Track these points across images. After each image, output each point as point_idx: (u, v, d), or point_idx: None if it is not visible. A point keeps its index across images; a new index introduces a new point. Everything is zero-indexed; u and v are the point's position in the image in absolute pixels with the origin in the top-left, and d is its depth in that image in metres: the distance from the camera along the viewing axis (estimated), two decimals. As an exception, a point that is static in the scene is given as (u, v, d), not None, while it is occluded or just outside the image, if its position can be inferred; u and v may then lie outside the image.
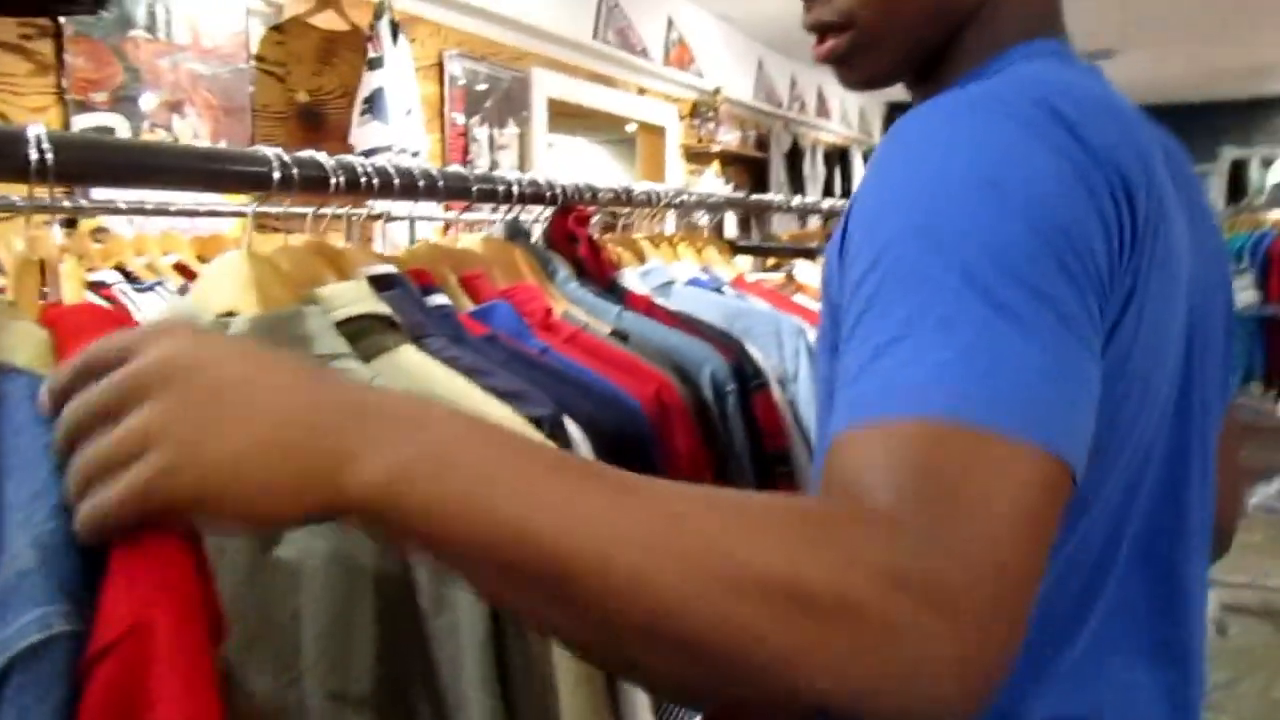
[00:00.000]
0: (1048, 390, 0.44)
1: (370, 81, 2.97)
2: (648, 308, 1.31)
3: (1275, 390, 4.83)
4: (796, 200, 2.23)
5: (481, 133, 3.83)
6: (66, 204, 1.81)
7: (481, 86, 3.81)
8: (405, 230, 2.46)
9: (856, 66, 0.67)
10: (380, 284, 0.93)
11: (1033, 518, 0.42)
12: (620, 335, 1.19)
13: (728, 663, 0.39)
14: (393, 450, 0.41)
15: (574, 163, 7.66)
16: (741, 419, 1.20)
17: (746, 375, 1.23)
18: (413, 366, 0.83)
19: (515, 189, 1.22)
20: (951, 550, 0.39)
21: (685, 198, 1.70)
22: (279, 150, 0.88)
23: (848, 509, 0.42)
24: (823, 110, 7.38)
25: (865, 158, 7.73)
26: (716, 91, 5.62)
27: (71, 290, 0.80)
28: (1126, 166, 0.52)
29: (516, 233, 1.30)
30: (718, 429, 1.16)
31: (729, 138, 5.83)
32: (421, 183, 1.04)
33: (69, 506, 0.43)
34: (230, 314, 0.79)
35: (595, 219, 1.47)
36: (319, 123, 3.09)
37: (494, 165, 3.88)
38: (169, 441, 0.41)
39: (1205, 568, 0.68)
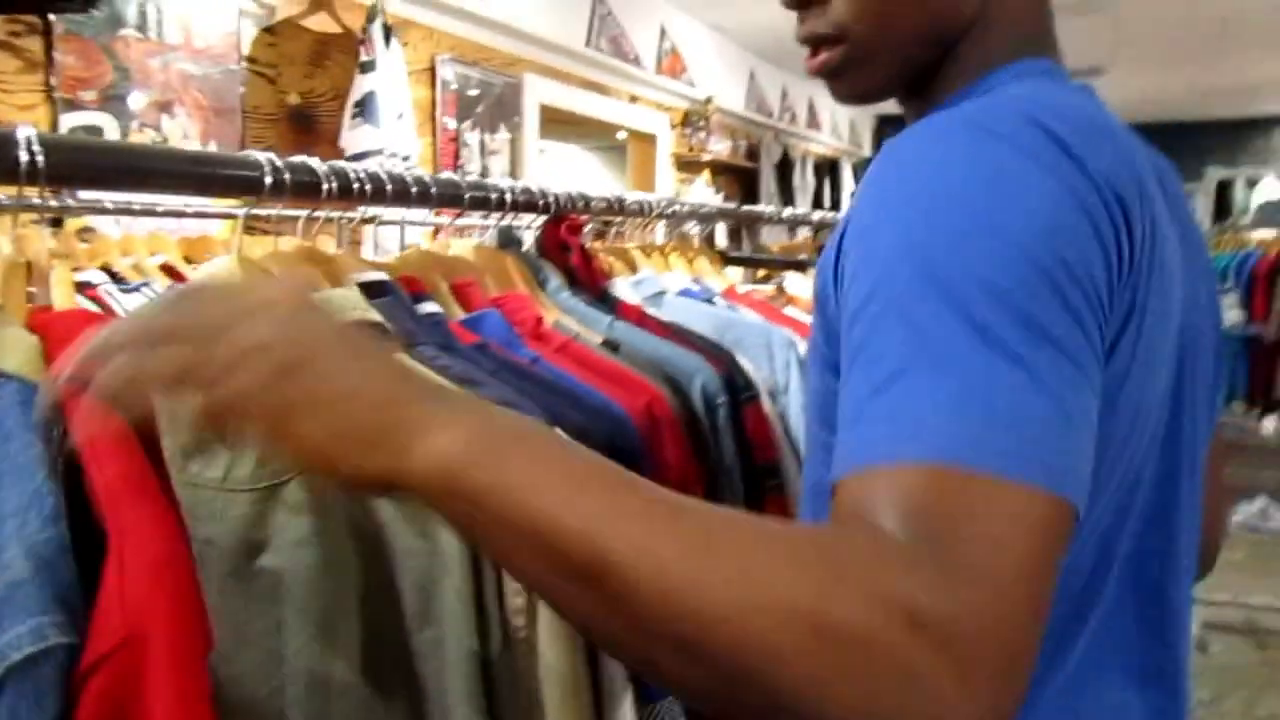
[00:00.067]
0: (1049, 430, 0.44)
1: (362, 85, 2.96)
2: (639, 318, 1.31)
3: (1258, 408, 4.88)
4: (788, 212, 2.24)
5: (473, 138, 3.83)
6: (53, 203, 1.80)
7: (473, 91, 3.81)
8: (395, 234, 2.45)
9: (848, 80, 0.67)
10: (371, 291, 0.93)
11: (1038, 561, 0.42)
12: (611, 345, 1.18)
13: (745, 679, 0.39)
14: (464, 430, 0.44)
15: (565, 169, 7.66)
16: (732, 431, 1.19)
17: (738, 387, 1.23)
18: (403, 375, 0.83)
19: (508, 197, 1.21)
20: (959, 598, 0.40)
21: (678, 208, 1.70)
22: (271, 155, 0.87)
23: (867, 545, 0.42)
24: (813, 122, 7.41)
25: (855, 170, 7.76)
26: (708, 101, 5.63)
27: (61, 295, 0.79)
28: (1121, 186, 0.52)
29: (508, 241, 1.30)
30: (708, 441, 1.15)
31: (720, 147, 5.85)
32: (414, 189, 1.04)
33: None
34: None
35: (587, 228, 1.47)
36: (310, 125, 3.08)
37: (485, 171, 3.88)
38: (268, 361, 0.45)
39: (1191, 588, 0.68)
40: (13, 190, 0.69)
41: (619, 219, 1.63)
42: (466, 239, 1.57)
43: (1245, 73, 6.80)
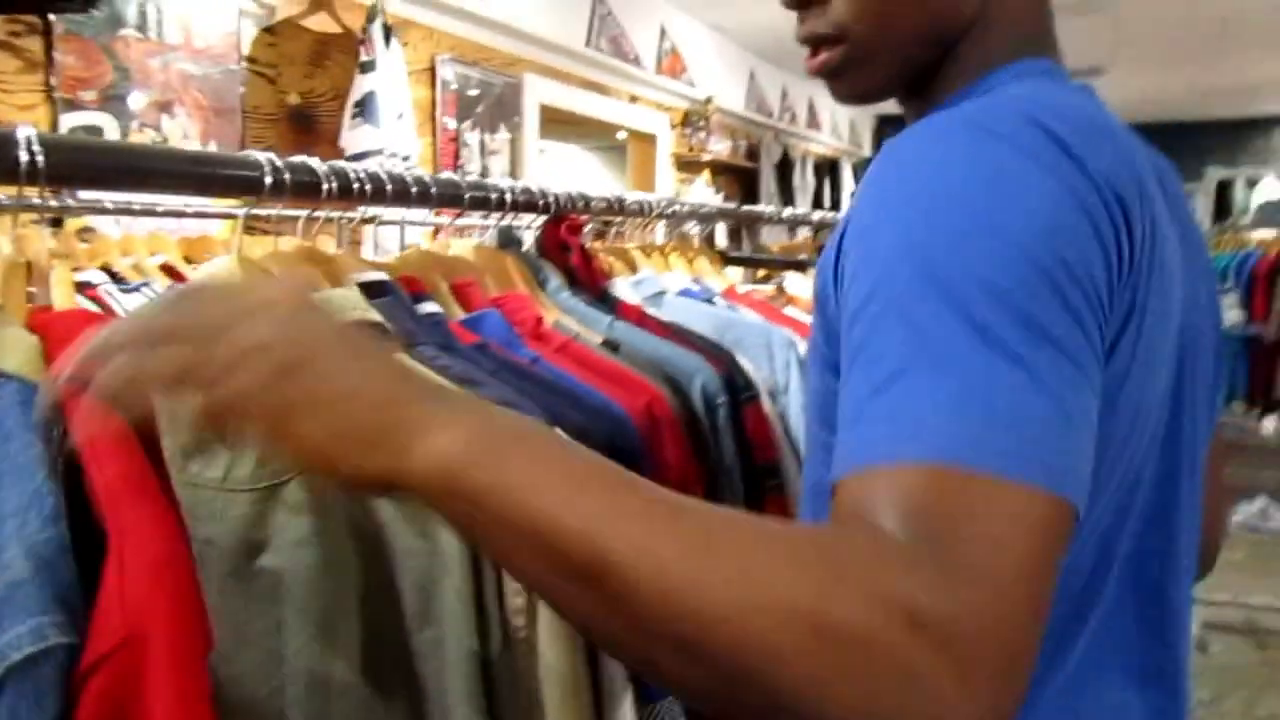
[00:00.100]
0: (1049, 430, 0.44)
1: (362, 85, 2.96)
2: (639, 318, 1.31)
3: (1258, 409, 4.88)
4: (788, 212, 2.24)
5: (473, 138, 3.83)
6: (53, 203, 1.80)
7: (473, 91, 3.81)
8: (395, 234, 2.45)
9: (848, 80, 0.67)
10: (371, 291, 0.93)
11: (1038, 561, 0.42)
12: (611, 345, 1.18)
13: (745, 679, 0.40)
14: (464, 430, 0.44)
15: (565, 169, 7.65)
16: (732, 431, 1.19)
17: (738, 387, 1.23)
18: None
19: (508, 197, 1.21)
20: (959, 598, 0.40)
21: (678, 208, 1.70)
22: (271, 155, 0.87)
23: (868, 545, 0.42)
24: (813, 122, 7.41)
25: (855, 170, 7.76)
26: (708, 101, 5.63)
27: (61, 295, 0.79)
28: (1121, 186, 0.52)
29: (508, 241, 1.30)
30: (708, 441, 1.15)
31: (720, 147, 5.84)
32: (414, 189, 1.04)
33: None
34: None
35: (587, 228, 1.47)
36: (309, 125, 3.08)
37: (485, 170, 3.88)
38: (268, 361, 0.45)
39: (1191, 588, 0.68)
40: (13, 190, 0.69)
41: (619, 219, 1.63)
42: (466, 239, 1.57)
43: (1245, 73, 6.80)
